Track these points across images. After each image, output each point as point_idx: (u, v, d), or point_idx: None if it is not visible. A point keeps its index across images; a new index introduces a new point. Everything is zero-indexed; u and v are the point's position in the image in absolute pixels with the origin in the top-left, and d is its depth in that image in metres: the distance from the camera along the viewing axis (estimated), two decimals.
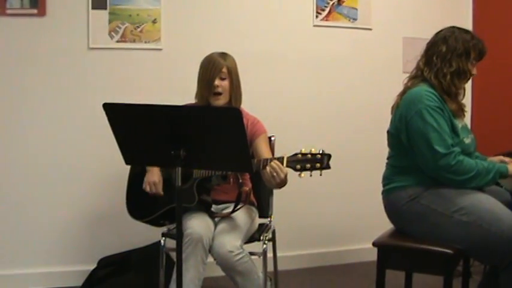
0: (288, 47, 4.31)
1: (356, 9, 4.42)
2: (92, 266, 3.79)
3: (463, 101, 2.94)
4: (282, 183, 2.75)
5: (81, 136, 3.93)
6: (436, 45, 2.85)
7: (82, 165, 3.94)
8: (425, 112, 2.67)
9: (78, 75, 3.91)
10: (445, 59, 2.80)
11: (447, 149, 2.63)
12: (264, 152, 3.12)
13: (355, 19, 4.43)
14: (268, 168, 2.71)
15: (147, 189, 3.14)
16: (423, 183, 2.75)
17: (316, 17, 4.34)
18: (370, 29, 4.49)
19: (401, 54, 4.57)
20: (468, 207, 2.61)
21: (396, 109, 2.86)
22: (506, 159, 3.03)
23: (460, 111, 2.86)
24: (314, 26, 4.35)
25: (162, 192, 3.13)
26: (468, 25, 4.48)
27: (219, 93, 3.16)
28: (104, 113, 2.34)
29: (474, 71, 2.85)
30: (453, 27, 2.88)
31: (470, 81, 2.94)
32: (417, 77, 2.88)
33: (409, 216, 2.78)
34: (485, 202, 2.63)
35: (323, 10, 4.34)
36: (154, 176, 3.15)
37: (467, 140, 2.82)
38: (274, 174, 2.69)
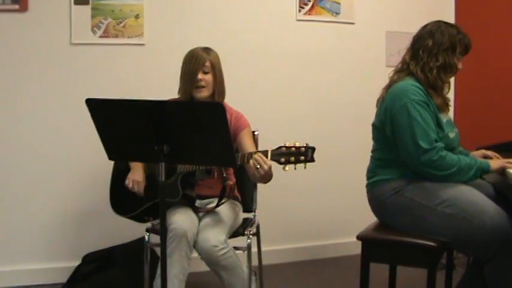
0: (271, 42, 4.30)
1: (339, 3, 4.42)
2: (77, 262, 3.76)
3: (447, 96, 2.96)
4: (267, 176, 2.75)
5: (64, 132, 3.91)
6: (422, 39, 2.84)
7: (65, 161, 3.92)
8: (411, 106, 2.67)
9: (60, 71, 3.88)
10: (431, 53, 2.80)
11: (430, 144, 2.63)
12: (248, 146, 3.11)
13: (337, 13, 4.44)
14: (251, 161, 2.71)
15: (130, 186, 3.14)
16: (407, 176, 2.76)
17: (299, 11, 4.34)
18: (353, 23, 4.49)
19: (384, 48, 4.58)
20: (451, 199, 2.63)
21: (381, 102, 2.86)
22: (489, 152, 3.05)
23: (444, 105, 2.86)
24: (297, 20, 4.35)
25: (143, 192, 3.14)
26: (451, 19, 4.49)
27: (202, 87, 3.14)
28: (86, 108, 2.33)
29: (460, 65, 2.86)
30: (439, 21, 2.88)
31: None
32: (403, 70, 2.88)
33: (393, 209, 2.79)
34: (468, 194, 2.64)
35: (306, 4, 4.34)
36: (138, 175, 3.15)
37: (451, 135, 2.83)
38: (258, 166, 2.68)
